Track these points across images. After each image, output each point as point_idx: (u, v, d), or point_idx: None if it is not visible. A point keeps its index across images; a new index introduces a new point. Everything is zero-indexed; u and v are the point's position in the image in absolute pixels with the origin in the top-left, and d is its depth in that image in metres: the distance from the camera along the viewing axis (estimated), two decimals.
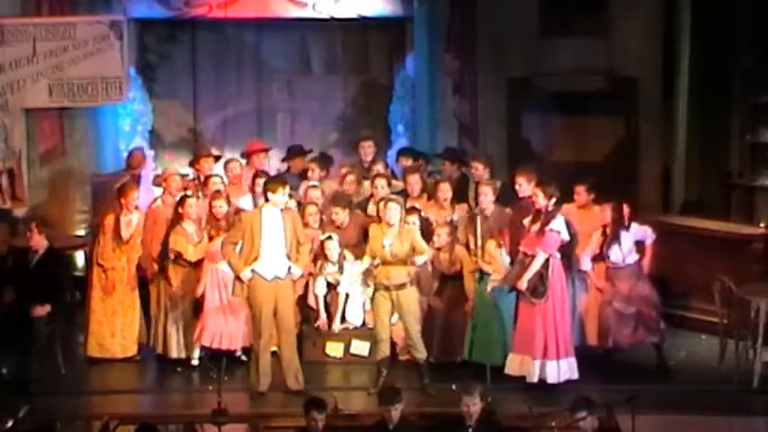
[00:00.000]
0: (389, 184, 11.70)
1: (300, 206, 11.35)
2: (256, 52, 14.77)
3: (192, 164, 12.21)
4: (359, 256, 11.02)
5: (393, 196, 10.79)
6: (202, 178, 11.89)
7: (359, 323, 11.27)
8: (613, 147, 14.50)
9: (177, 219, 11.00)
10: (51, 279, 10.58)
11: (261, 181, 11.19)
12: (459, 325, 10.86)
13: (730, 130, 13.94)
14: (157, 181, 12.08)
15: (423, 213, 11.13)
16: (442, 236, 10.80)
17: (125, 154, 13.53)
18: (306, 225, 10.93)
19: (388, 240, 10.24)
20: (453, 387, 9.53)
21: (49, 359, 10.76)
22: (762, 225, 12.13)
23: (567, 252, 10.40)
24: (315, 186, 11.77)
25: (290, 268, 10.24)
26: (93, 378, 11.00)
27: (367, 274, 10.73)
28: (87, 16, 13.02)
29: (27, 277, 10.53)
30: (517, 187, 11.00)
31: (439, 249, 10.88)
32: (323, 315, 11.21)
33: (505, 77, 14.38)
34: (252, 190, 11.71)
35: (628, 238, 10.78)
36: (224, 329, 10.94)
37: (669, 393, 10.30)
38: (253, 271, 10.15)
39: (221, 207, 10.98)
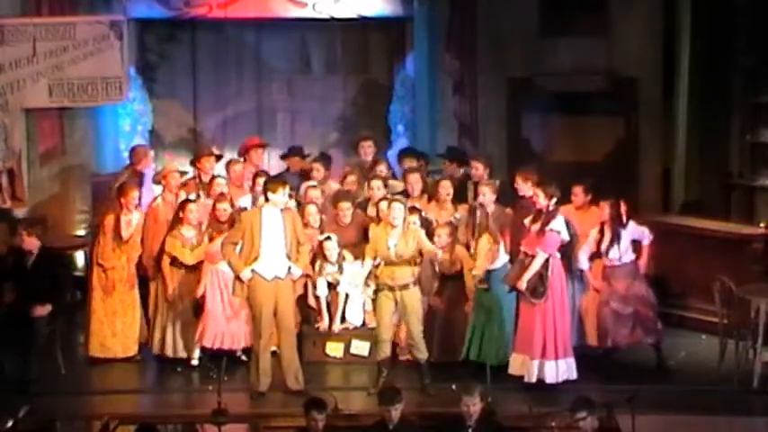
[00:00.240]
0: (386, 185, 11.71)
1: (300, 206, 11.35)
2: (256, 52, 14.76)
3: (193, 163, 12.21)
4: (358, 256, 11.03)
5: (397, 197, 10.79)
6: (203, 177, 11.88)
7: (359, 323, 11.27)
8: (613, 147, 14.50)
9: (177, 222, 10.99)
10: (50, 279, 10.57)
11: (261, 180, 11.20)
12: (460, 325, 10.86)
13: (730, 130, 13.94)
14: (157, 178, 12.07)
15: (423, 213, 11.13)
16: (442, 236, 10.80)
17: (125, 154, 13.53)
18: (306, 225, 10.93)
19: (393, 241, 10.25)
20: (453, 387, 9.52)
21: (49, 359, 10.76)
22: (762, 225, 12.13)
23: (567, 252, 10.41)
24: (314, 186, 11.77)
25: (290, 268, 10.24)
26: (93, 378, 11.00)
27: (368, 274, 10.71)
28: (87, 16, 13.02)
29: (25, 278, 10.53)
30: (517, 187, 11.03)
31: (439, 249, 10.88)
32: (325, 316, 11.20)
33: (505, 77, 14.38)
34: (252, 189, 11.72)
35: (625, 235, 10.78)
36: (225, 330, 10.94)
37: (669, 393, 10.30)
38: (253, 271, 10.15)
39: (225, 210, 10.96)
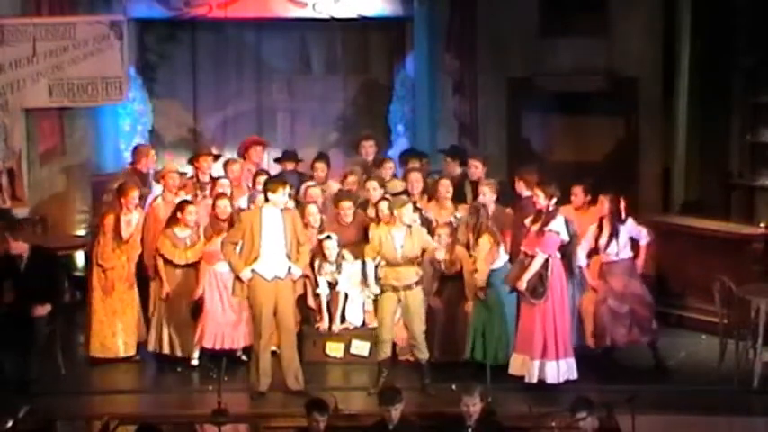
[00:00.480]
0: (382, 186, 11.70)
1: (299, 206, 11.35)
2: (256, 52, 14.77)
3: (191, 162, 12.20)
4: (358, 256, 11.03)
5: (402, 197, 10.79)
6: (201, 177, 11.87)
7: (359, 323, 11.27)
8: (613, 147, 14.51)
9: (172, 222, 10.99)
10: (45, 279, 10.50)
11: (262, 179, 11.20)
12: (460, 325, 10.86)
13: (730, 130, 13.95)
14: (156, 178, 12.08)
15: (423, 212, 11.14)
16: (442, 236, 10.78)
17: (126, 154, 13.53)
18: (306, 225, 10.93)
19: (400, 242, 10.25)
20: (453, 387, 9.53)
21: (49, 359, 10.75)
22: (762, 225, 12.13)
23: (567, 252, 10.41)
24: (314, 186, 11.77)
25: (290, 268, 10.24)
26: (93, 378, 10.99)
27: (371, 275, 10.69)
28: (87, 16, 13.03)
29: (20, 280, 10.48)
30: (518, 190, 11.05)
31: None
32: (325, 316, 11.20)
33: (505, 77, 14.39)
34: (253, 188, 11.72)
35: (623, 231, 10.78)
36: (225, 330, 10.94)
37: (669, 393, 10.29)
38: (253, 271, 10.14)
39: (225, 208, 10.95)
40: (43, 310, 10.43)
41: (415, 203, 11.06)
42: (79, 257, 12.96)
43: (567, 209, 10.94)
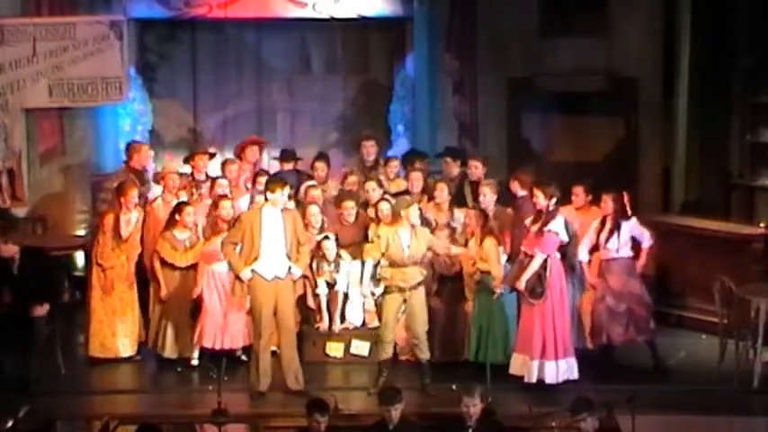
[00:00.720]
0: (381, 186, 11.70)
1: (299, 206, 11.35)
2: (256, 52, 14.77)
3: (186, 161, 12.19)
4: (356, 256, 11.03)
5: (405, 197, 10.78)
6: (197, 176, 11.86)
7: (359, 323, 11.27)
8: (613, 147, 14.51)
9: (171, 224, 10.98)
10: (42, 279, 10.46)
11: (262, 180, 11.20)
12: (460, 325, 10.87)
13: (730, 130, 13.95)
14: (156, 179, 12.08)
15: (423, 213, 11.14)
16: (441, 238, 10.79)
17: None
18: (307, 225, 10.93)
19: (407, 243, 10.25)
20: (453, 387, 9.52)
21: (49, 359, 10.75)
22: (762, 225, 12.13)
23: (567, 253, 10.41)
24: (315, 186, 11.77)
25: (290, 268, 10.24)
26: (93, 378, 10.99)
27: (370, 275, 10.69)
28: (87, 16, 13.04)
29: (15, 282, 10.44)
30: (513, 190, 11.05)
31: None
32: (325, 316, 11.20)
33: (505, 77, 14.39)
34: (252, 188, 11.71)
35: (626, 228, 10.77)
36: (224, 330, 10.94)
37: (669, 393, 10.30)
38: (253, 271, 10.15)
39: (229, 209, 10.93)
40: (42, 310, 10.41)
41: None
42: (79, 257, 12.96)
43: (567, 209, 10.95)
